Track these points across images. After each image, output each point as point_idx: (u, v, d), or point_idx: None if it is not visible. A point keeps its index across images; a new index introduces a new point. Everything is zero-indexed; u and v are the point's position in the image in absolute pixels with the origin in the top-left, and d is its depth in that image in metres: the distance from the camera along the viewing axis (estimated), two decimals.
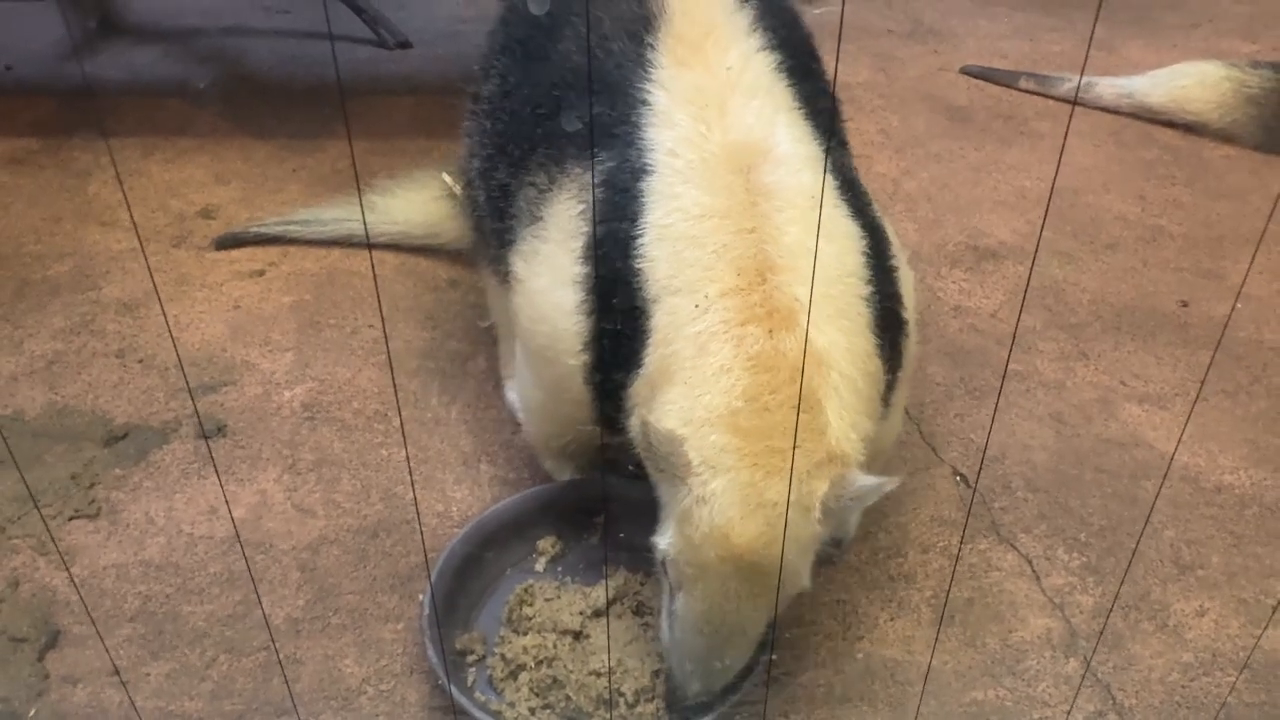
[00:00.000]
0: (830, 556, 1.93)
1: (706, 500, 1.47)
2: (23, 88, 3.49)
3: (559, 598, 1.85)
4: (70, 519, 2.05)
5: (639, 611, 1.84)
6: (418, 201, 2.73)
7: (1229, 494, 2.16)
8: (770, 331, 1.52)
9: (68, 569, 1.95)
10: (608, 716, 1.68)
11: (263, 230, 2.78)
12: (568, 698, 1.71)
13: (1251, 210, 3.02)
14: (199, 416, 2.26)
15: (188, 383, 2.35)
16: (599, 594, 1.84)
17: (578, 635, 1.80)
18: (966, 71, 3.70)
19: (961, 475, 2.19)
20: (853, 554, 2.01)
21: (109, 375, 2.37)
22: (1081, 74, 3.64)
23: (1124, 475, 2.19)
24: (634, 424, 1.54)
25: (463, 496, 2.11)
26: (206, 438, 2.22)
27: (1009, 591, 1.96)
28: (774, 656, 1.74)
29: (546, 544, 1.96)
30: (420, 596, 1.87)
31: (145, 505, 2.08)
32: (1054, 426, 2.30)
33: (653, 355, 1.58)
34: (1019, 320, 2.58)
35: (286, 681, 1.77)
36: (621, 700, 1.71)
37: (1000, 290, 2.69)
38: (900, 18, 4.09)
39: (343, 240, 2.77)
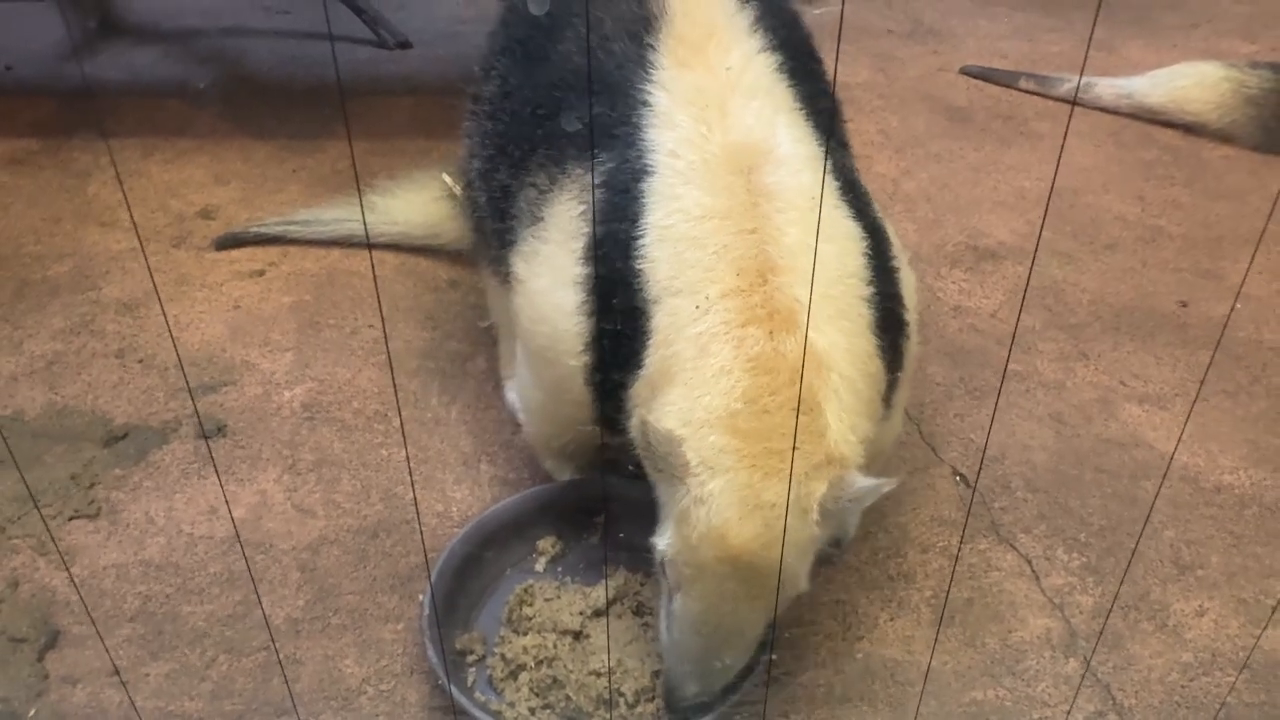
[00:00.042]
0: (830, 557, 1.93)
1: (704, 501, 1.47)
2: (23, 88, 3.49)
3: (559, 598, 1.85)
4: (70, 519, 2.05)
5: (639, 612, 1.84)
6: (418, 202, 2.74)
7: (1229, 494, 2.16)
8: (771, 333, 1.52)
9: (67, 569, 1.95)
10: (608, 717, 1.68)
11: (263, 230, 2.78)
12: (568, 698, 1.71)
13: (1251, 210, 3.02)
14: (199, 416, 2.26)
15: (188, 383, 2.35)
16: (599, 594, 1.84)
17: (578, 635, 1.80)
18: (966, 72, 3.70)
19: (961, 475, 2.19)
20: (852, 554, 2.01)
21: (109, 375, 2.37)
22: (1081, 74, 3.64)
23: (1124, 475, 2.19)
24: (633, 424, 1.54)
25: (463, 496, 2.12)
26: (206, 438, 2.22)
27: (1009, 591, 1.96)
28: (774, 656, 1.74)
29: (546, 544, 1.96)
30: (420, 596, 1.87)
31: (145, 505, 2.08)
32: (1054, 426, 2.30)
33: (653, 356, 1.58)
34: (1018, 320, 2.58)
35: (286, 682, 1.77)
36: (621, 700, 1.71)
37: (1000, 290, 2.69)
38: (900, 18, 4.09)
39: (343, 240, 2.77)
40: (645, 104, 1.68)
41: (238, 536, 2.01)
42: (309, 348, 2.46)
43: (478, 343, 2.47)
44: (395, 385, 2.37)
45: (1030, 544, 2.05)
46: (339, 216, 2.79)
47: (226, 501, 2.09)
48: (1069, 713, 1.76)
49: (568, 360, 1.69)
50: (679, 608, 1.55)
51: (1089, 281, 2.73)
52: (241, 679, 1.79)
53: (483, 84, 2.07)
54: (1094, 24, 3.90)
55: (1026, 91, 3.58)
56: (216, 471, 2.15)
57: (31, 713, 1.73)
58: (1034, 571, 2.00)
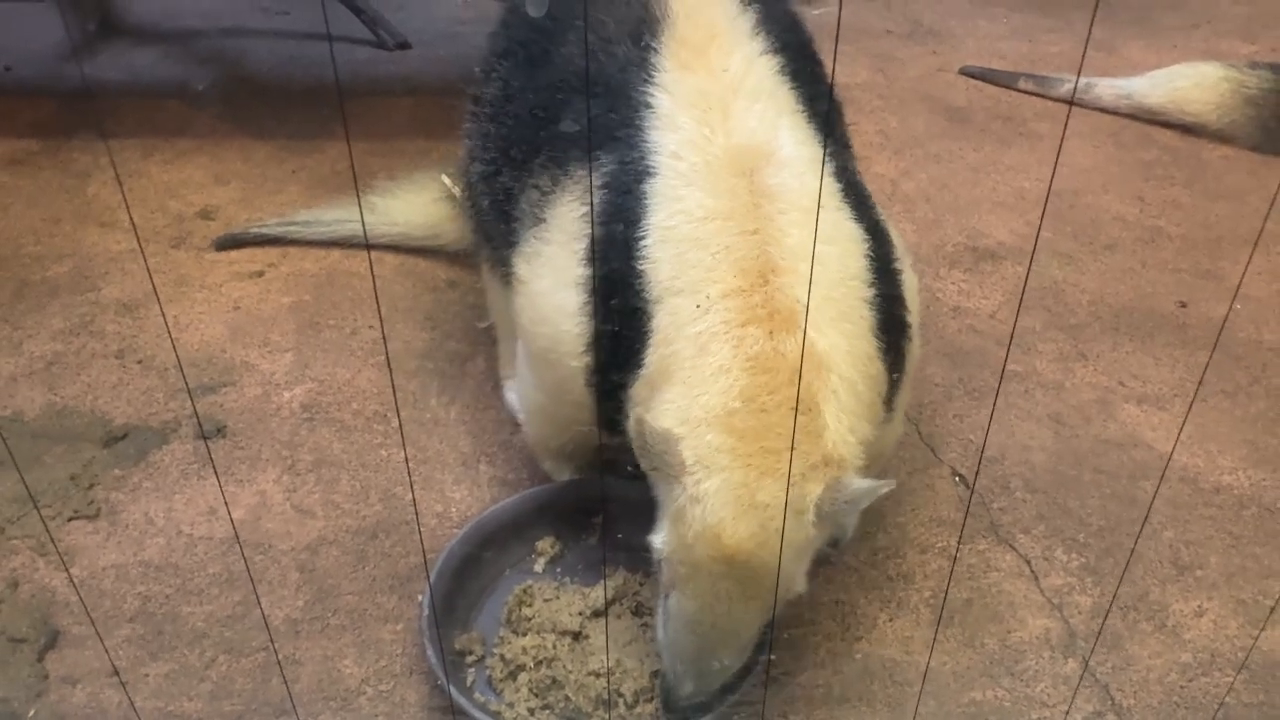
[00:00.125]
0: (827, 557, 1.94)
1: (700, 500, 1.47)
2: (22, 89, 3.49)
3: (558, 598, 1.85)
4: (69, 520, 2.05)
5: (638, 612, 1.84)
6: (418, 203, 2.74)
7: (1228, 494, 2.16)
8: (770, 333, 1.52)
9: (67, 570, 1.95)
10: (607, 717, 1.69)
11: (263, 231, 2.79)
12: (567, 698, 1.71)
13: (1250, 211, 3.02)
14: (198, 417, 2.26)
15: (187, 383, 2.36)
16: (598, 594, 1.84)
17: (577, 636, 1.80)
18: (965, 72, 3.70)
19: (960, 476, 2.19)
20: (851, 554, 2.01)
21: (108, 376, 2.37)
22: (1078, 75, 3.64)
23: (1123, 476, 2.19)
24: (630, 423, 1.54)
25: (462, 497, 2.12)
26: (206, 438, 2.22)
27: (1007, 592, 1.97)
28: (772, 656, 1.74)
29: (545, 545, 1.96)
30: (419, 597, 1.87)
31: (145, 506, 2.08)
32: (1053, 427, 2.30)
33: (653, 355, 1.58)
34: (1016, 321, 2.58)
35: (285, 682, 1.77)
36: (620, 701, 1.71)
37: (999, 291, 2.69)
38: (899, 19, 4.10)
39: (343, 241, 2.77)
40: (647, 106, 1.68)
41: (237, 537, 2.01)
42: (308, 348, 2.46)
43: (477, 343, 2.47)
44: (394, 386, 2.37)
45: (1029, 544, 2.05)
46: (339, 217, 2.79)
47: (226, 502, 2.09)
48: (1068, 713, 1.76)
49: (569, 361, 1.69)
50: (675, 606, 1.56)
51: (1088, 282, 2.73)
52: (241, 679, 1.79)
53: (483, 86, 2.07)
54: (1091, 24, 3.90)
55: (1026, 92, 3.58)
56: (216, 472, 2.16)
57: (31, 713, 1.73)
58: (1033, 572, 2.00)
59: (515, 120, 1.93)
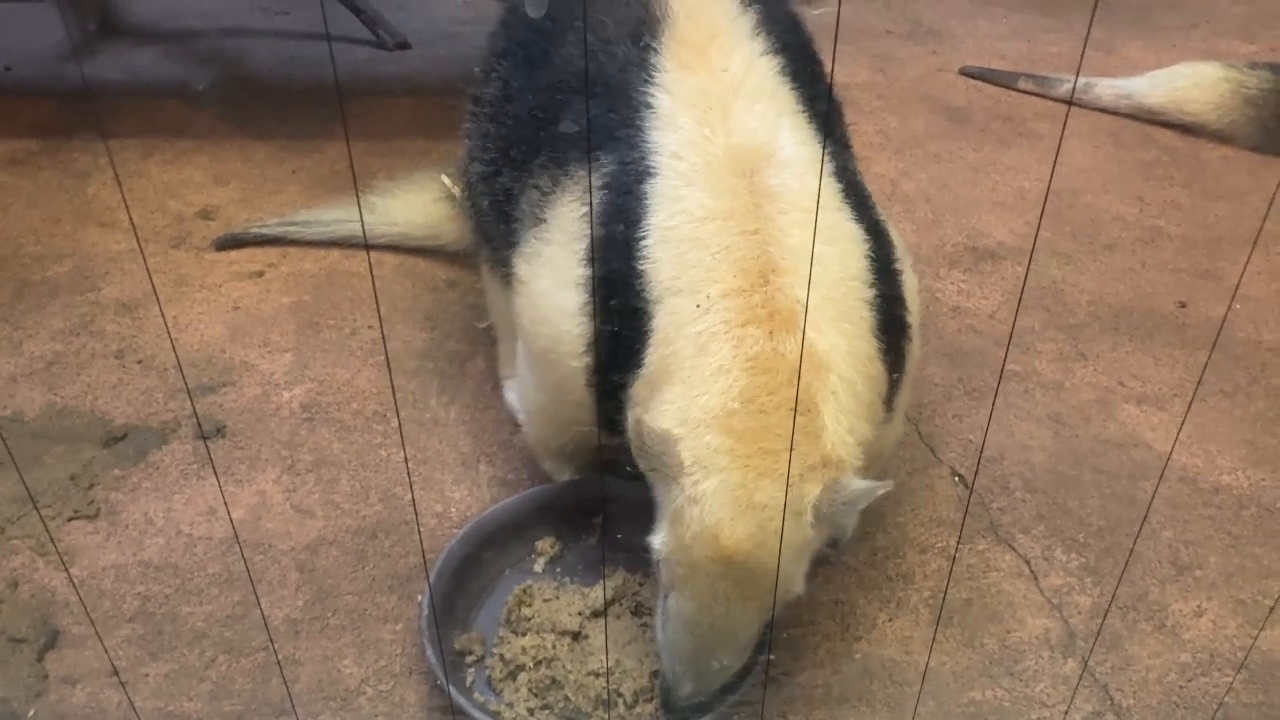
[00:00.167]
0: (827, 557, 1.94)
1: (698, 500, 1.47)
2: (22, 89, 3.49)
3: (557, 598, 1.85)
4: (69, 520, 2.05)
5: (637, 612, 1.84)
6: (418, 203, 2.74)
7: (1227, 494, 2.16)
8: (770, 333, 1.52)
9: (67, 570, 1.95)
10: (606, 717, 1.69)
11: (263, 231, 2.79)
12: (566, 698, 1.71)
13: (1249, 211, 3.02)
14: (198, 417, 2.26)
15: (186, 384, 2.36)
16: (597, 595, 1.84)
17: (576, 636, 1.80)
18: (965, 72, 3.70)
19: (960, 476, 2.19)
20: (851, 554, 2.02)
21: (108, 376, 2.37)
22: (1077, 74, 3.64)
23: (1122, 476, 2.19)
24: (629, 424, 1.54)
25: (461, 497, 2.12)
26: (205, 438, 2.22)
27: (1007, 592, 1.97)
28: (772, 656, 1.74)
29: (545, 545, 1.96)
30: (419, 597, 1.88)
31: (144, 506, 2.08)
32: (1052, 427, 2.30)
33: (653, 355, 1.58)
34: (1015, 321, 2.58)
35: (285, 682, 1.77)
36: (620, 701, 1.71)
37: (999, 291, 2.69)
38: (899, 19, 4.10)
39: (343, 241, 2.78)
40: (648, 106, 1.68)
41: (236, 537, 2.01)
42: (308, 348, 2.46)
43: (476, 343, 2.47)
44: (394, 386, 2.37)
45: (1029, 544, 2.05)
46: (339, 217, 2.79)
47: (225, 502, 2.09)
48: (1067, 713, 1.76)
49: (569, 361, 1.69)
50: (673, 607, 1.56)
51: (1088, 282, 2.73)
52: (240, 679, 1.79)
53: (483, 86, 2.07)
54: (1090, 24, 3.90)
55: (1025, 92, 3.58)
56: (215, 472, 2.16)
57: (31, 713, 1.74)
58: (1032, 572, 2.00)
59: (515, 120, 1.93)
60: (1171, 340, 2.55)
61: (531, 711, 1.70)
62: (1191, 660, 1.85)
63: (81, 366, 2.39)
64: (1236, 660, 1.85)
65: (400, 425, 2.27)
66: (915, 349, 1.79)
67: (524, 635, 1.79)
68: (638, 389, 1.60)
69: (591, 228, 1.63)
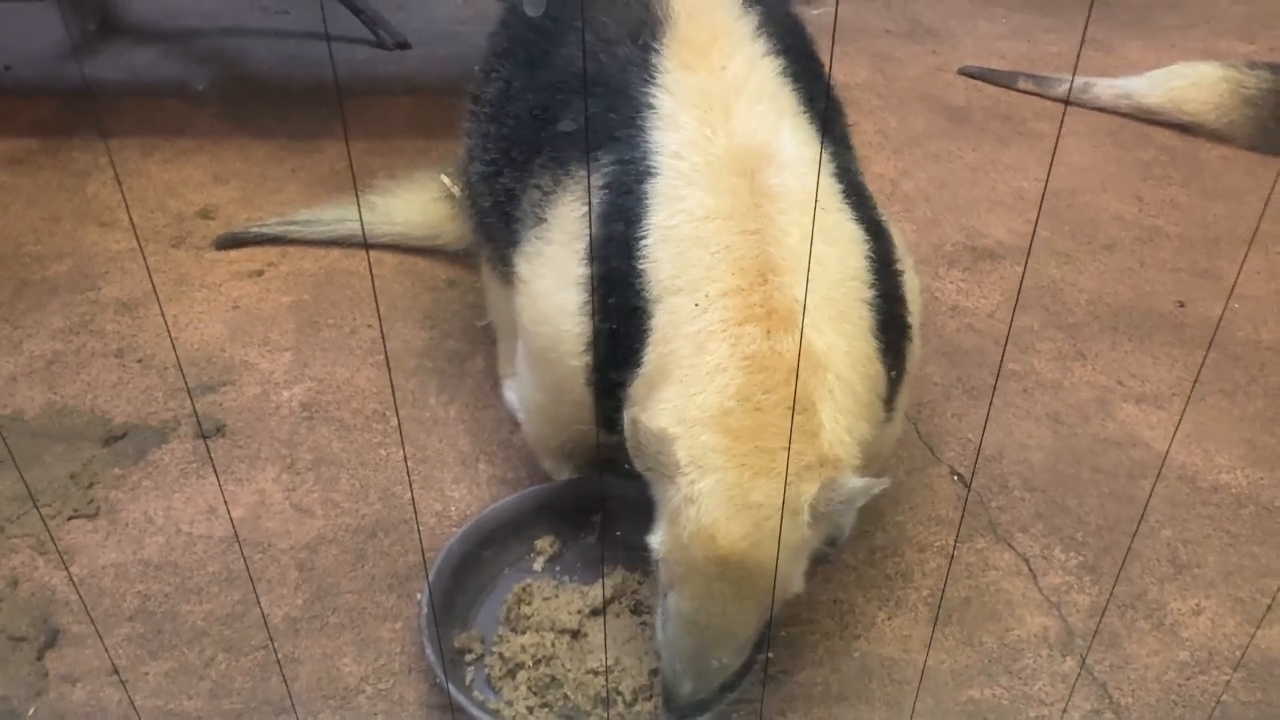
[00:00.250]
0: (826, 555, 1.94)
1: (694, 500, 1.47)
2: (22, 88, 3.50)
3: (557, 597, 1.85)
4: (69, 518, 2.05)
5: (637, 610, 1.84)
6: (418, 203, 2.74)
7: (1225, 493, 2.17)
8: (768, 331, 1.52)
9: (67, 568, 1.95)
10: (605, 715, 1.69)
11: (263, 230, 2.79)
12: (565, 696, 1.71)
13: (1248, 211, 3.02)
14: (198, 416, 2.26)
15: (186, 383, 2.36)
16: (597, 593, 1.84)
17: (575, 634, 1.80)
18: (965, 72, 3.71)
19: (959, 474, 2.19)
20: (850, 553, 2.02)
21: (108, 375, 2.37)
22: (1074, 74, 3.65)
23: (1121, 475, 2.20)
24: (625, 423, 1.54)
25: (461, 496, 2.12)
26: (205, 437, 2.22)
27: (1006, 590, 1.97)
28: (770, 654, 1.75)
29: (544, 543, 1.96)
30: (418, 595, 1.88)
31: (144, 505, 2.09)
32: (1051, 426, 2.31)
33: (652, 354, 1.58)
34: (1012, 320, 2.58)
35: (285, 680, 1.77)
36: (619, 699, 1.71)
37: (998, 290, 2.69)
38: (898, 18, 4.10)
39: (343, 240, 2.78)
40: (649, 106, 1.69)
41: (236, 536, 2.01)
42: (308, 347, 2.46)
43: (476, 342, 2.47)
44: (393, 385, 2.38)
45: (1028, 543, 2.05)
46: (339, 216, 2.79)
47: (225, 501, 2.09)
48: (1065, 711, 1.77)
49: (569, 361, 1.70)
50: (671, 606, 1.56)
51: (1087, 281, 2.74)
52: (240, 678, 1.79)
53: (483, 85, 2.07)
54: (1087, 23, 3.90)
55: (1025, 92, 3.59)
56: (215, 471, 2.16)
57: (31, 711, 1.74)
58: (1031, 570, 2.00)
59: (516, 120, 1.93)
60: (1170, 339, 2.55)
61: (531, 709, 1.70)
62: (1190, 658, 1.86)
63: (81, 365, 2.39)
64: (1235, 658, 1.85)
65: (400, 424, 2.27)
66: (915, 349, 1.79)
67: (523, 633, 1.79)
68: (636, 388, 1.60)
69: (591, 227, 1.63)
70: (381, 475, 2.16)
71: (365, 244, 2.77)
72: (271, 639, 1.83)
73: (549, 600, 1.84)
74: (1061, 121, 3.51)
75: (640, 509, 1.61)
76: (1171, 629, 1.91)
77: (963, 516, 2.09)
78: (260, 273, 2.69)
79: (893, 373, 1.65)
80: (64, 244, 2.77)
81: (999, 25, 4.06)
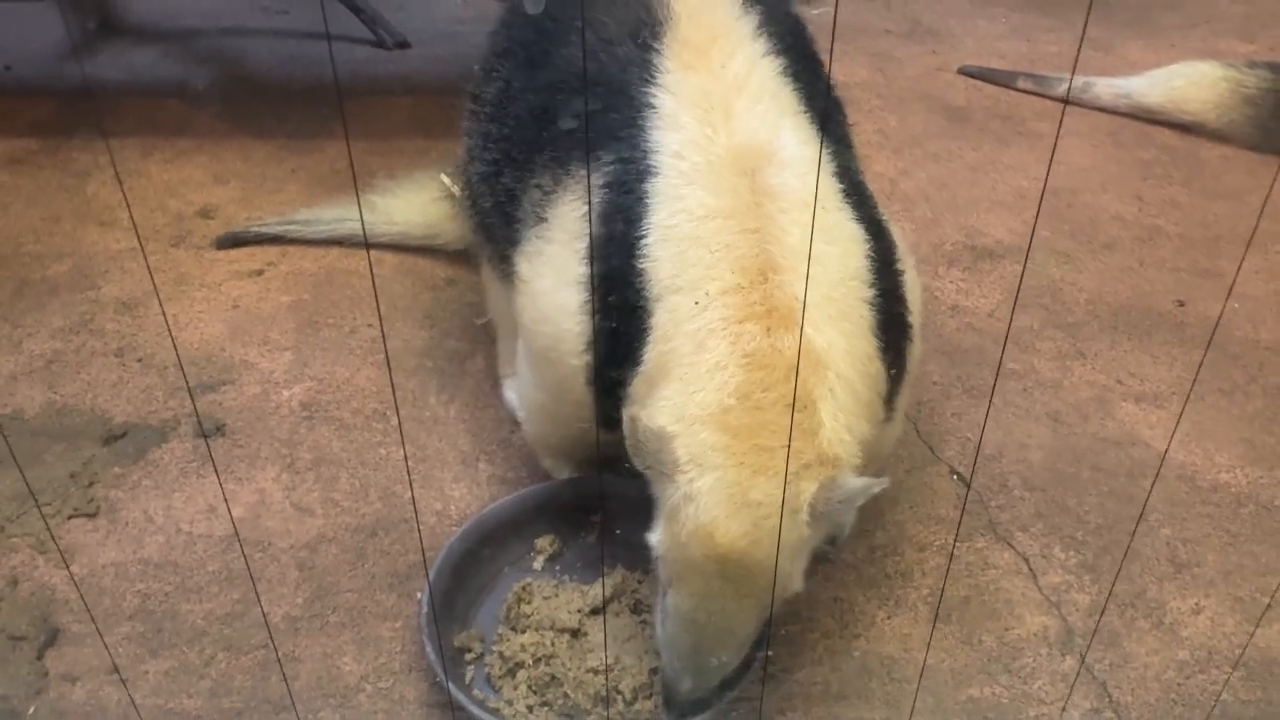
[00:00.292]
0: (826, 554, 1.94)
1: (693, 498, 1.47)
2: (22, 88, 3.50)
3: (557, 596, 1.85)
4: (69, 517, 2.05)
5: (636, 609, 1.85)
6: (418, 202, 2.74)
7: (1225, 492, 2.17)
8: (768, 329, 1.52)
9: (67, 567, 1.95)
10: (605, 714, 1.69)
11: (263, 230, 2.79)
12: (565, 695, 1.71)
13: (1248, 210, 3.02)
14: (198, 415, 2.26)
15: (187, 382, 2.36)
16: (597, 592, 1.84)
17: (575, 633, 1.80)
18: (964, 72, 3.71)
19: (958, 474, 2.19)
20: (849, 552, 2.02)
21: (108, 374, 2.37)
22: (1073, 73, 3.65)
23: (1120, 474, 2.20)
24: (624, 421, 1.54)
25: (461, 495, 2.12)
26: (205, 437, 2.22)
27: (1005, 589, 1.97)
28: (770, 653, 1.75)
29: (544, 542, 1.96)
30: (418, 594, 1.88)
31: (144, 504, 2.09)
32: (1051, 425, 2.31)
33: (652, 352, 1.58)
34: (1011, 319, 2.58)
35: (285, 679, 1.77)
36: (619, 697, 1.71)
37: (998, 290, 2.69)
38: (898, 18, 4.10)
39: (343, 240, 2.78)
40: (650, 106, 1.69)
41: (236, 535, 2.01)
42: (308, 347, 2.46)
43: (476, 341, 2.47)
44: (393, 384, 2.38)
45: (1027, 542, 2.05)
46: (339, 216, 2.79)
47: (225, 500, 2.09)
48: (1064, 710, 1.77)
49: (570, 360, 1.70)
50: (670, 604, 1.56)
51: (1087, 281, 2.74)
52: (240, 677, 1.79)
53: (484, 85, 2.07)
54: (1085, 22, 3.90)
55: (1024, 91, 3.59)
56: (215, 470, 2.16)
57: (31, 710, 1.74)
58: (1031, 569, 2.00)
59: (517, 120, 1.93)
60: (1170, 339, 2.55)
61: (531, 708, 1.70)
62: (1189, 657, 1.86)
63: (81, 365, 2.40)
64: (1234, 657, 1.85)
65: (400, 423, 2.28)
66: (916, 348, 1.79)
67: (523, 632, 1.80)
68: (636, 386, 1.60)
69: (590, 226, 1.63)
70: (381, 474, 2.16)
71: (365, 243, 2.77)
72: (272, 638, 1.83)
73: (549, 599, 1.85)
74: (1060, 121, 3.51)
75: (640, 508, 1.61)
76: (1171, 628, 1.91)
77: (962, 515, 2.10)
78: (260, 272, 2.69)
79: (893, 372, 1.66)
80: (64, 243, 2.77)
81: (999, 25, 4.06)
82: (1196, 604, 1.95)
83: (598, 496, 1.95)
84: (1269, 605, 1.94)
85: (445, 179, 2.66)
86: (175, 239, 2.79)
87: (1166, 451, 2.23)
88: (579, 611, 1.82)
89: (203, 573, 1.96)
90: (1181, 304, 2.66)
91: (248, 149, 3.16)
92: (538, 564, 1.94)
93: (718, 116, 1.66)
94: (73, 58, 3.69)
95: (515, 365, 2.08)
